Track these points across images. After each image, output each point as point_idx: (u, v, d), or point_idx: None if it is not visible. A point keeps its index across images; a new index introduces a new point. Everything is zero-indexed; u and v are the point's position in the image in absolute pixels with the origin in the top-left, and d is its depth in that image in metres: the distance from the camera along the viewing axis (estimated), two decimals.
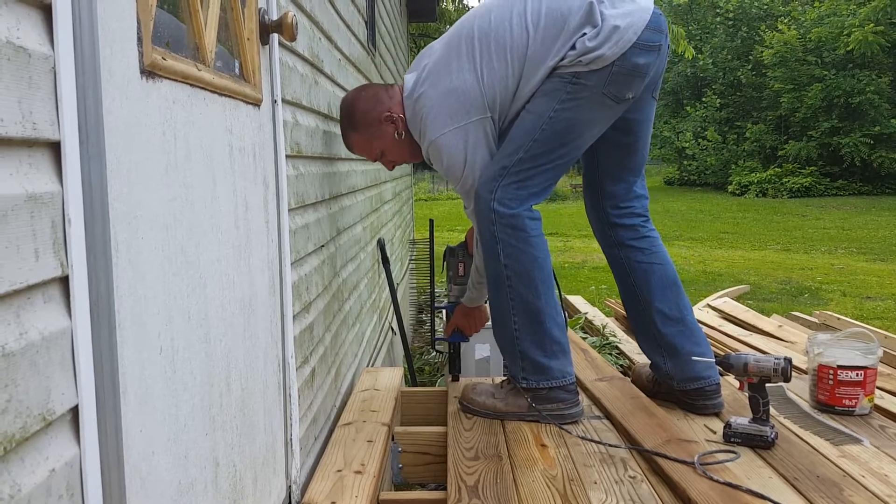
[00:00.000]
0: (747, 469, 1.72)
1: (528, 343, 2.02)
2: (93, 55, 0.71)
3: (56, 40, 0.67)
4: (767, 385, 1.88)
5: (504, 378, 2.20)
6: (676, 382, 2.15)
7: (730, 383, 2.38)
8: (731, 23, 27.35)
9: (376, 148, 2.13)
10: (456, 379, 2.55)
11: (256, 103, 1.34)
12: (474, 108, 1.97)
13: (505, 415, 2.06)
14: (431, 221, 2.30)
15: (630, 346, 3.88)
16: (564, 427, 1.99)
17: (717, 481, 1.61)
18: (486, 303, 2.33)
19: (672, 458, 1.72)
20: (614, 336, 4.22)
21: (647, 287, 2.19)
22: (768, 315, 4.69)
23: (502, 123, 2.04)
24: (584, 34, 1.89)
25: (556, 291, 2.09)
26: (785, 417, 2.12)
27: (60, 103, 0.67)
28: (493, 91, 1.97)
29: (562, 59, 1.91)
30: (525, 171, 1.97)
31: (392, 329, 4.00)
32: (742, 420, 1.89)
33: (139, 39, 0.84)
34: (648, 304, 2.18)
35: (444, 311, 2.54)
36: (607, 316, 4.90)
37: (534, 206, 2.03)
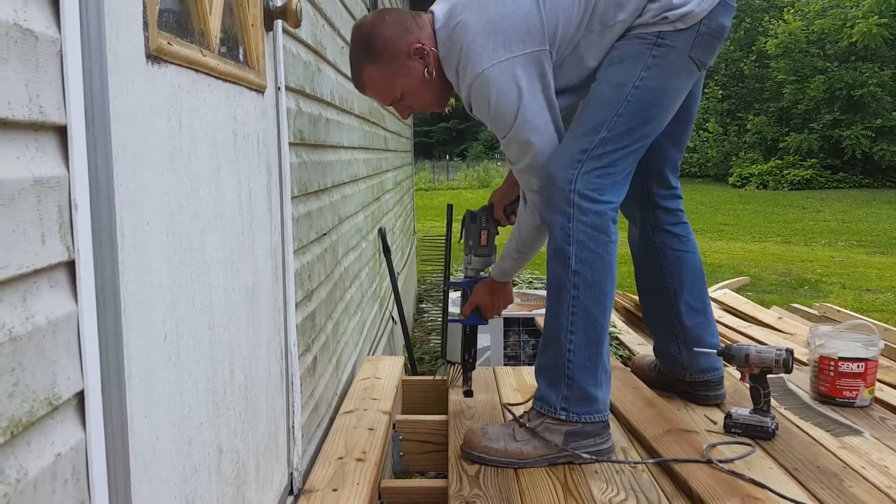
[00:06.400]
0: (748, 459, 1.72)
1: (582, 369, 1.69)
2: (99, 39, 0.70)
3: (63, 23, 0.66)
4: (768, 376, 1.88)
5: (521, 414, 1.81)
6: (689, 373, 2.12)
7: (731, 374, 2.38)
8: (734, 14, 27.20)
9: (398, 87, 1.72)
10: (469, 394, 2.10)
11: (260, 90, 1.34)
12: (531, 37, 1.62)
13: (534, 461, 1.70)
14: (450, 206, 2.16)
15: (630, 337, 3.88)
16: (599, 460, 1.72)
17: (722, 469, 1.62)
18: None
19: (684, 459, 1.71)
20: (614, 327, 4.22)
21: (678, 276, 2.06)
22: (768, 307, 4.70)
23: (556, 64, 1.70)
24: None
25: None
26: (785, 408, 2.12)
27: (67, 87, 0.67)
28: (554, 20, 1.64)
29: (642, 11, 1.66)
30: (609, 153, 1.67)
31: (392, 318, 4.01)
32: (743, 411, 1.90)
33: (145, 24, 0.83)
34: (676, 293, 2.07)
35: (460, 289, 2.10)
36: None
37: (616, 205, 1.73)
